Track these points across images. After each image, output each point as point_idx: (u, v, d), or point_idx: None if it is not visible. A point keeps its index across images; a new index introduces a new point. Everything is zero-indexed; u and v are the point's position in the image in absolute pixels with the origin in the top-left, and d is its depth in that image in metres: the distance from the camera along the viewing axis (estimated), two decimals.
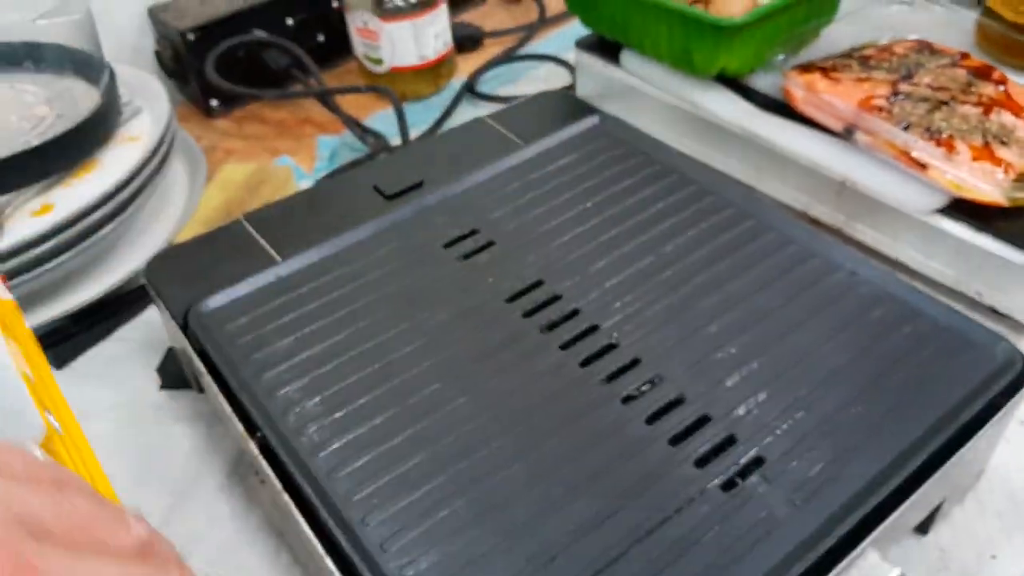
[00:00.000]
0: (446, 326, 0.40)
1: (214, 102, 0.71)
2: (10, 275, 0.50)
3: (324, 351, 0.39)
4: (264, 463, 0.35)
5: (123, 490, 0.36)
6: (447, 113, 0.67)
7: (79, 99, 0.59)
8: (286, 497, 0.34)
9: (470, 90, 0.70)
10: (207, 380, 0.39)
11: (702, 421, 0.35)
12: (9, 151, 0.52)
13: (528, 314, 0.40)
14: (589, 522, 0.31)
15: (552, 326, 0.39)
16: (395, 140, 0.64)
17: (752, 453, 0.33)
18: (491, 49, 0.77)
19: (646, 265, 0.42)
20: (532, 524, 0.31)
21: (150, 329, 0.52)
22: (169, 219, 0.59)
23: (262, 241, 0.45)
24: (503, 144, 0.51)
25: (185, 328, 0.41)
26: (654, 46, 0.56)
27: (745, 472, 0.33)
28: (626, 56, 0.59)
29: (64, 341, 0.52)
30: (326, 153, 0.65)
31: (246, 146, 0.69)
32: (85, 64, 0.60)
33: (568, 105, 0.54)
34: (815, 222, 0.52)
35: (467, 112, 0.68)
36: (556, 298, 0.41)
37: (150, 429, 0.47)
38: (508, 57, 0.73)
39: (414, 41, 0.67)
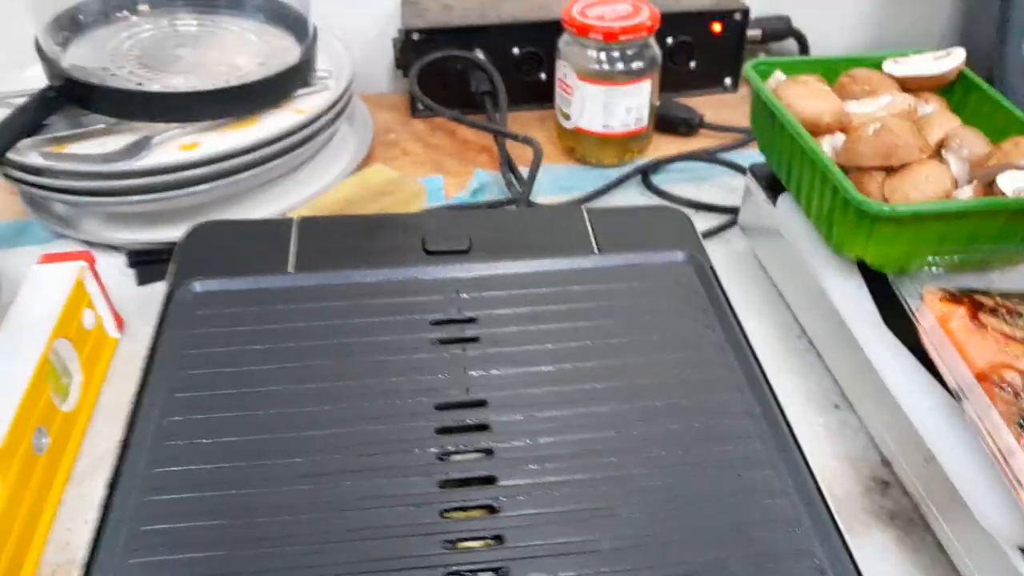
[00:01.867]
0: (365, 401, 0.37)
1: (420, 104, 0.73)
2: (137, 191, 0.56)
3: (245, 376, 0.38)
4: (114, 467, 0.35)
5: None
6: (603, 191, 0.63)
7: (281, 54, 0.64)
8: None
9: (643, 175, 0.65)
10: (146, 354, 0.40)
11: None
12: (210, 86, 0.59)
13: (441, 431, 0.36)
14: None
15: (450, 453, 0.35)
16: (549, 197, 0.62)
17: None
18: (706, 139, 0.70)
19: (602, 444, 0.36)
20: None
21: None
22: (304, 190, 0.62)
23: (293, 247, 0.46)
24: (577, 243, 0.46)
25: (169, 296, 0.43)
26: (806, 200, 0.47)
27: None
28: (783, 200, 0.51)
29: (154, 263, 0.57)
30: (475, 184, 0.64)
31: (422, 153, 0.70)
32: (296, 23, 0.65)
33: (676, 228, 0.48)
34: (883, 484, 0.41)
35: (630, 194, 0.64)
36: (481, 427, 0.36)
37: None
38: (696, 155, 0.67)
39: (603, 108, 0.63)
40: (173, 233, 0.58)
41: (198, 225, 0.47)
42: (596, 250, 0.46)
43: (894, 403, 0.40)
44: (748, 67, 0.51)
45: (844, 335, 0.43)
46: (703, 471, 0.35)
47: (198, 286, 0.42)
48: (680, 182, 0.65)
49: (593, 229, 0.47)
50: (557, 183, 0.64)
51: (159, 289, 0.55)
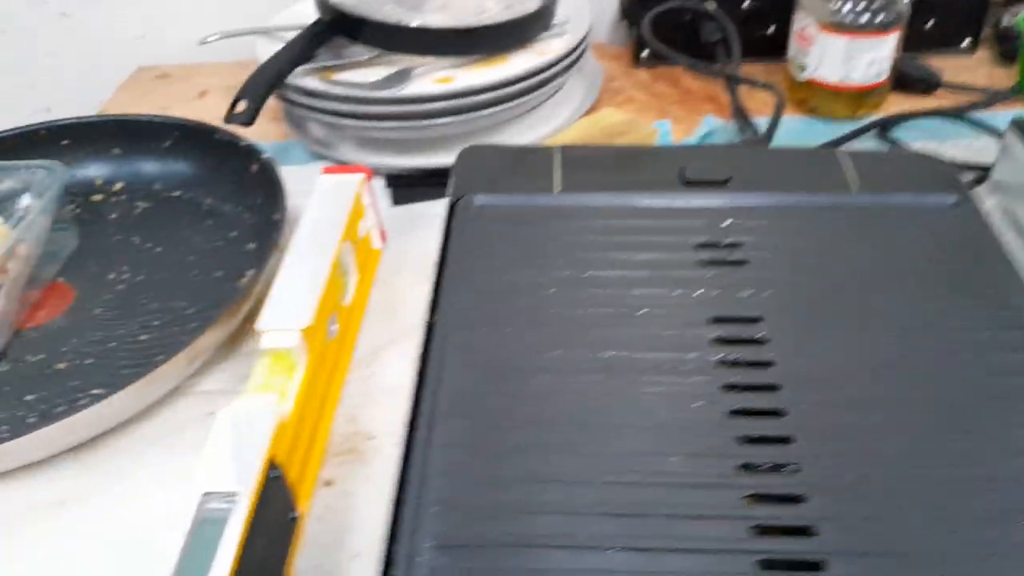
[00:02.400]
0: (642, 309, 0.40)
1: (644, 53, 0.75)
2: (395, 117, 0.61)
3: (533, 279, 0.41)
4: (422, 342, 0.40)
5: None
6: (840, 141, 0.63)
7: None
8: (416, 366, 0.38)
9: (882, 129, 0.64)
10: (439, 254, 0.44)
11: (801, 531, 0.31)
12: (463, 24, 0.63)
13: (720, 341, 0.38)
14: (633, 538, 0.31)
15: (733, 363, 0.37)
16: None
17: None
18: (943, 99, 0.69)
19: (888, 377, 0.37)
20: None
21: None
22: (537, 131, 0.66)
23: (557, 171, 0.49)
24: (837, 182, 0.47)
25: (452, 209, 0.46)
26: None
27: None
28: None
29: (411, 186, 0.62)
30: (704, 131, 0.65)
31: (646, 100, 0.72)
32: None
33: (937, 174, 0.48)
34: None
35: (867, 148, 0.63)
36: (759, 342, 0.38)
37: (414, 279, 0.54)
38: (941, 112, 0.65)
39: (843, 60, 0.63)
40: (421, 161, 0.63)
41: (469, 147, 0.51)
42: (854, 190, 0.46)
43: None
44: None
45: None
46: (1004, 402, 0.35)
47: (479, 199, 0.46)
48: (920, 139, 0.64)
49: (851, 170, 0.48)
50: (789, 134, 0.64)
51: (413, 210, 0.61)
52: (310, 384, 0.43)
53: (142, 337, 0.51)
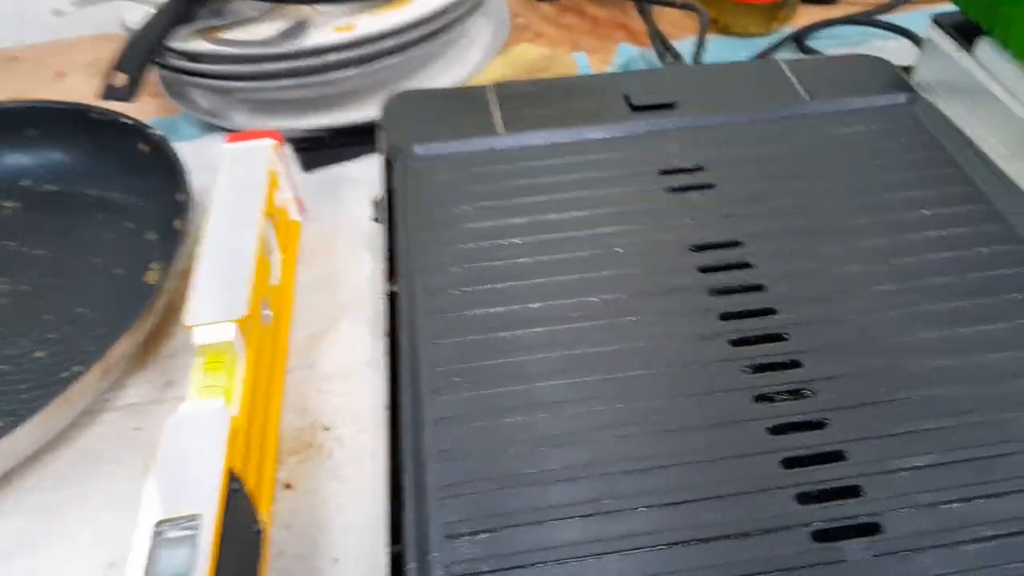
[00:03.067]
0: (620, 248, 0.36)
1: None
2: (296, 73, 0.55)
3: (496, 229, 0.38)
4: (385, 311, 0.35)
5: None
6: (761, 56, 0.61)
7: None
8: (385, 342, 0.34)
9: (797, 42, 0.63)
10: (383, 216, 0.40)
11: (832, 457, 0.29)
12: None
13: (705, 270, 0.35)
14: (658, 493, 0.28)
15: (724, 291, 0.35)
16: None
17: (870, 516, 0.27)
18: (846, 8, 0.68)
19: (869, 273, 0.35)
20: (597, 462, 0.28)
21: None
22: (450, 76, 0.61)
23: (496, 111, 0.44)
24: (785, 92, 0.45)
25: (389, 165, 0.42)
26: (1018, 39, 0.45)
27: (851, 532, 0.27)
28: (982, 45, 0.49)
29: (319, 149, 0.57)
30: (622, 60, 0.62)
31: (555, 34, 0.68)
32: None
33: (882, 75, 0.46)
34: None
35: None
36: (745, 265, 0.36)
37: (343, 249, 0.49)
38: (854, 19, 0.64)
39: None
40: (327, 120, 0.57)
41: (395, 95, 0.46)
42: (807, 98, 0.44)
43: None
44: None
45: None
46: (982, 294, 0.34)
47: (419, 149, 0.42)
48: (834, 47, 0.63)
49: (796, 79, 0.46)
50: (706, 55, 0.62)
51: (327, 174, 0.55)
52: (253, 379, 0.38)
53: (38, 354, 0.44)
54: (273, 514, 0.37)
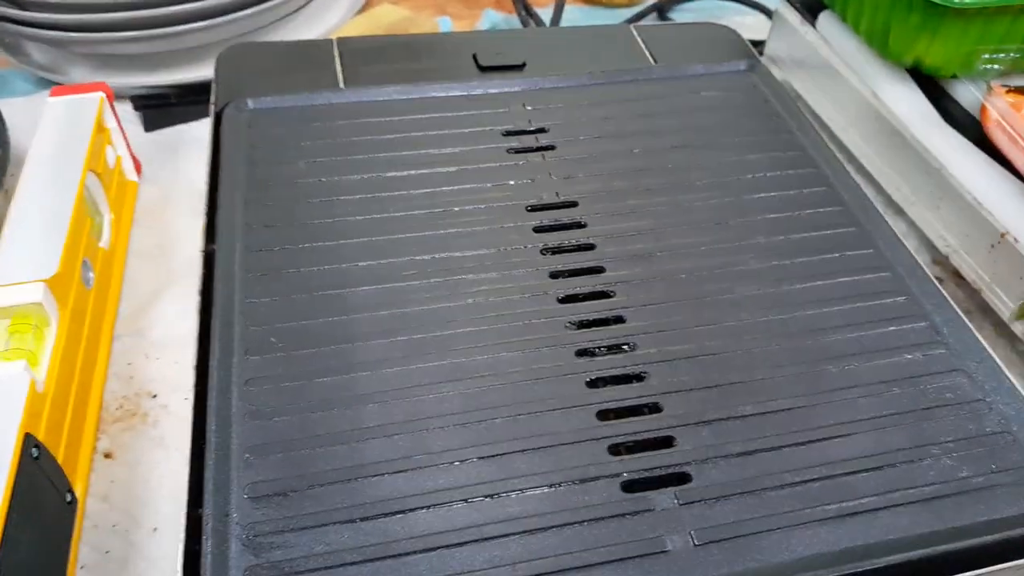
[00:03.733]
0: (453, 208, 0.36)
1: None
2: (139, 26, 0.52)
3: (329, 185, 0.36)
4: (201, 274, 0.34)
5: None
6: None
7: None
8: (197, 299, 0.32)
9: (659, 12, 0.63)
10: (208, 173, 0.38)
11: (647, 409, 0.29)
12: None
13: (539, 230, 0.35)
14: (473, 447, 0.27)
15: (556, 250, 0.34)
16: None
17: (680, 467, 0.27)
18: None
19: (699, 232, 0.35)
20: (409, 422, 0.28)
21: None
22: (306, 34, 0.59)
23: (338, 65, 0.43)
24: (633, 57, 0.45)
25: (219, 119, 0.40)
26: (855, 13, 0.47)
27: (659, 482, 0.27)
28: (824, 18, 0.50)
29: (161, 107, 0.54)
30: (485, 26, 0.62)
31: None
32: None
33: (728, 43, 0.47)
34: (956, 274, 0.43)
35: None
36: (578, 225, 0.35)
37: (180, 214, 0.47)
38: None
39: None
40: (172, 77, 0.55)
41: (231, 47, 0.44)
42: (653, 62, 0.45)
43: (958, 194, 0.40)
44: None
45: (901, 142, 0.44)
46: (806, 253, 0.35)
47: (251, 103, 0.40)
48: (694, 20, 0.64)
49: (645, 45, 0.46)
50: (572, 24, 0.62)
51: (170, 134, 0.53)
52: (68, 343, 0.36)
53: None
54: (90, 485, 0.35)
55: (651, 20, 0.64)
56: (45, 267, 0.35)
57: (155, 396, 0.38)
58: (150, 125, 0.53)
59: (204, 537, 0.25)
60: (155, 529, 0.34)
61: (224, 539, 0.25)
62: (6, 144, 0.44)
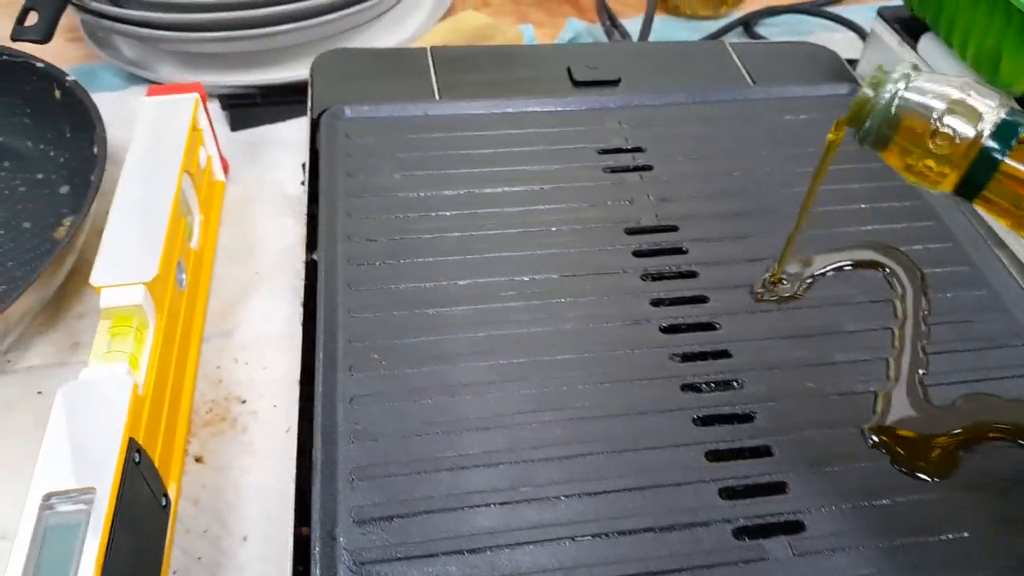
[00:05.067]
0: (554, 227, 0.35)
1: None
2: (228, 26, 0.52)
3: (424, 200, 0.36)
4: (303, 284, 0.34)
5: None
6: (708, 39, 0.60)
7: None
8: (299, 311, 0.32)
9: (745, 27, 0.62)
10: (307, 179, 0.38)
11: (757, 452, 0.28)
12: None
13: (639, 254, 0.35)
14: (578, 482, 0.27)
15: (657, 277, 0.34)
16: None
17: (793, 515, 0.27)
18: None
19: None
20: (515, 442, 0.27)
21: None
22: (390, 39, 0.59)
23: (433, 76, 0.43)
24: (729, 75, 0.44)
25: (316, 126, 0.40)
26: (962, 37, 0.45)
27: (772, 530, 0.26)
28: (926, 41, 0.49)
29: (247, 107, 0.54)
30: (569, 36, 0.61)
31: (502, 4, 0.66)
32: None
33: (827, 64, 0.46)
34: None
35: None
36: (679, 251, 0.35)
37: (267, 213, 0.47)
38: (802, 8, 0.64)
39: None
40: (259, 77, 0.55)
41: (327, 53, 0.44)
42: (751, 83, 0.44)
43: None
44: None
45: None
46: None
47: (348, 111, 0.40)
48: (782, 35, 0.62)
49: (742, 63, 0.45)
50: (654, 35, 0.61)
51: (255, 134, 0.53)
52: (164, 346, 0.36)
53: None
54: (181, 488, 0.35)
55: (737, 34, 0.63)
56: (145, 269, 0.35)
57: (244, 402, 0.38)
58: (236, 124, 0.53)
59: (312, 563, 0.25)
60: (245, 538, 0.34)
61: (332, 564, 0.25)
62: (104, 142, 0.44)
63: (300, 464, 0.28)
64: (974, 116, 0.23)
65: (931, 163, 0.24)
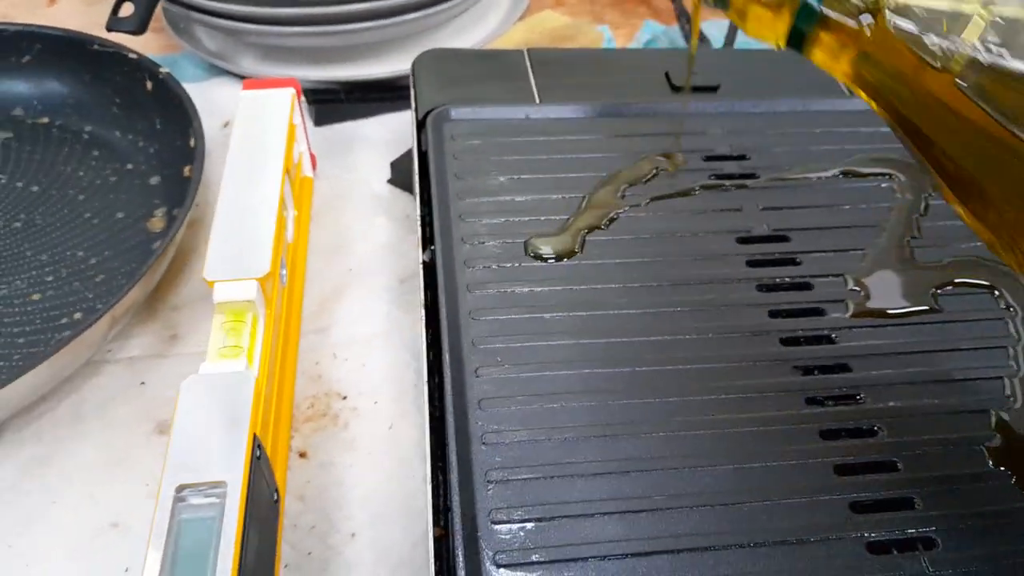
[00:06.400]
0: (661, 232, 0.35)
1: None
2: (313, 21, 0.52)
3: (531, 203, 0.36)
4: (422, 279, 0.34)
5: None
6: None
7: None
8: (422, 312, 0.32)
9: None
10: (415, 181, 0.38)
11: (885, 467, 0.28)
12: None
13: (753, 263, 0.35)
14: (711, 493, 0.27)
15: (772, 287, 0.34)
16: None
17: (925, 531, 0.27)
18: None
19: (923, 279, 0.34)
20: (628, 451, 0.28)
21: (408, 125, 0.53)
22: (469, 38, 0.59)
23: (532, 78, 0.43)
24: (824, 85, 0.44)
25: (420, 126, 0.40)
26: None
27: (907, 545, 0.26)
28: None
29: (332, 102, 0.54)
30: (646, 36, 0.61)
31: (577, 5, 0.66)
32: None
33: None
34: None
35: None
36: (792, 261, 0.35)
37: (356, 211, 0.47)
38: None
39: None
40: (340, 73, 0.55)
41: (426, 53, 0.44)
42: (848, 94, 0.43)
43: None
44: None
45: None
46: None
47: (453, 113, 0.40)
48: None
49: None
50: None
51: (336, 131, 0.53)
52: (271, 341, 0.36)
53: (34, 297, 0.42)
54: (287, 484, 0.36)
55: None
56: (258, 265, 0.36)
57: (345, 398, 0.39)
58: (321, 120, 0.53)
59: (455, 563, 0.25)
60: (353, 535, 0.34)
61: (476, 565, 0.25)
62: (201, 136, 0.45)
63: (432, 466, 0.28)
64: None
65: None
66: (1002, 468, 0.28)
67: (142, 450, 0.36)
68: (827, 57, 0.25)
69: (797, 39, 0.25)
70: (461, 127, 0.39)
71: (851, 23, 0.23)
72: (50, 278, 0.43)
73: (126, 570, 0.33)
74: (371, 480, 0.36)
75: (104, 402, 0.38)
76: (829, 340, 0.32)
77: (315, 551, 0.34)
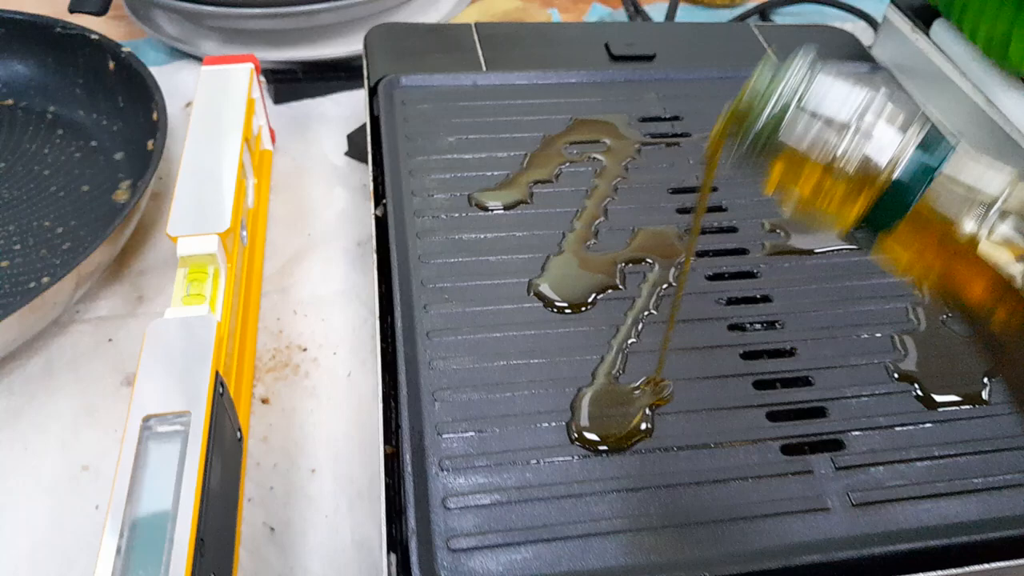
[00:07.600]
0: (599, 185, 0.38)
1: None
2: (271, 3, 0.54)
3: (477, 161, 0.39)
4: (374, 235, 0.36)
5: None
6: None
7: None
8: (374, 258, 0.34)
9: (762, 15, 0.65)
10: (368, 145, 0.40)
11: (801, 381, 0.31)
12: None
13: (683, 211, 0.37)
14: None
15: (701, 232, 0.36)
16: None
17: (833, 434, 0.29)
18: None
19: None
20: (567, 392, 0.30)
21: (362, 101, 0.55)
22: (423, 19, 0.61)
23: (479, 50, 0.45)
24: (756, 54, 0.47)
25: (372, 93, 0.42)
26: (972, 21, 0.48)
27: (815, 447, 0.29)
28: (938, 27, 0.52)
29: (291, 82, 0.56)
30: (593, 19, 0.64)
31: None
32: None
33: (847, 46, 0.49)
34: None
35: None
36: (719, 208, 0.38)
37: (315, 182, 0.50)
38: None
39: None
40: (298, 54, 0.57)
41: (377, 27, 0.47)
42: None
43: None
44: None
45: (1014, 149, 0.45)
46: None
47: (404, 80, 0.42)
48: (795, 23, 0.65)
49: (766, 43, 0.48)
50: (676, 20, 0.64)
51: (295, 108, 0.55)
52: (232, 293, 0.38)
53: (2, 263, 0.43)
54: (250, 427, 0.38)
55: (753, 21, 0.65)
56: (217, 222, 0.38)
57: (305, 350, 0.41)
58: (280, 98, 0.55)
59: (403, 472, 0.27)
60: (313, 471, 0.36)
61: (422, 471, 0.27)
62: (164, 109, 0.46)
63: (384, 391, 0.30)
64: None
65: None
66: (904, 382, 0.31)
67: (111, 400, 0.38)
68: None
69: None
70: (411, 93, 0.42)
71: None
72: (18, 246, 0.44)
73: (96, 507, 0.34)
74: (331, 423, 0.38)
75: (74, 358, 0.40)
76: (752, 275, 0.35)
77: (277, 486, 0.36)
